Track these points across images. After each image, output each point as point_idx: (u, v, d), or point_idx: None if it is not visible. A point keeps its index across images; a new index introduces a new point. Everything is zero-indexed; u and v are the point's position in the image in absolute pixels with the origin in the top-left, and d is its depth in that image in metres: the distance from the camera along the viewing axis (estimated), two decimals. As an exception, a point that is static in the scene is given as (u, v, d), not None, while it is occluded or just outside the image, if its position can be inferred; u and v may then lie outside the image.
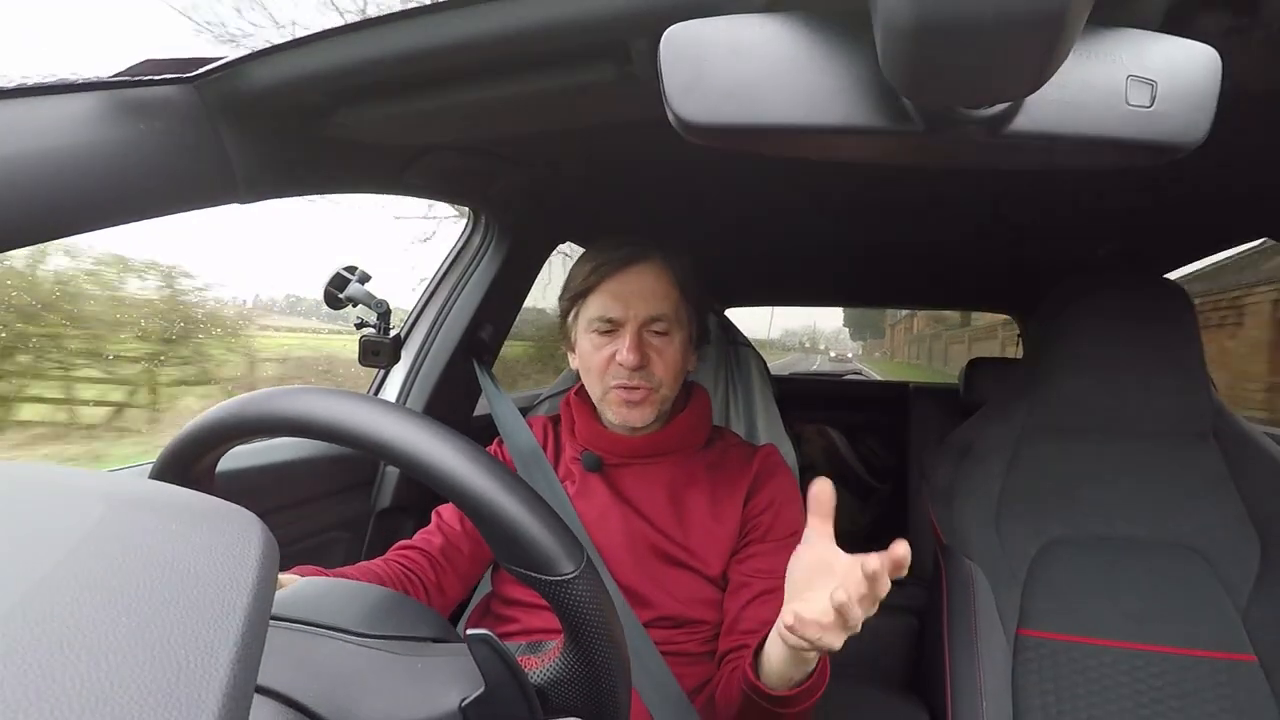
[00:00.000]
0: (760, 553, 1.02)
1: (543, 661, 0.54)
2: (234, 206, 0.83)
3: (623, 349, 1.01)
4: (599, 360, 1.04)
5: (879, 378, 4.52)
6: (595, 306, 1.04)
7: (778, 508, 1.06)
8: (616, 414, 1.05)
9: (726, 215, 1.56)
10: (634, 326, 1.02)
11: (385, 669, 0.52)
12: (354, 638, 0.54)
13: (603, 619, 0.51)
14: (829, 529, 0.75)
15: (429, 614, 0.61)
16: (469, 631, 0.50)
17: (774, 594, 0.98)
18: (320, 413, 0.52)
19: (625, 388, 1.02)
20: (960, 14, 0.35)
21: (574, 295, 1.08)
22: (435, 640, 0.57)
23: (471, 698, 0.50)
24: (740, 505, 1.05)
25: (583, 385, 1.12)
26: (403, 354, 1.34)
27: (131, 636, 0.26)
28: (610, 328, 1.04)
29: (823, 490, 0.75)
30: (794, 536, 1.04)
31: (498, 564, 1.10)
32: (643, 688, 0.94)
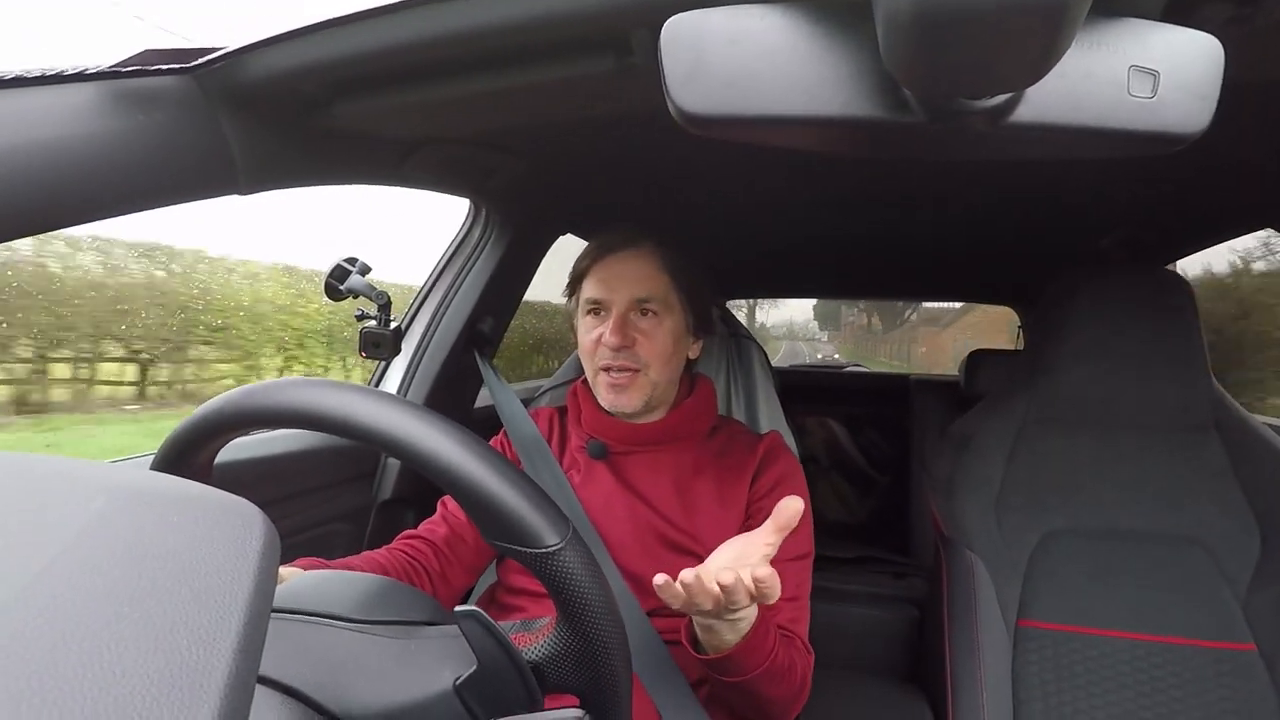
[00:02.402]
0: None
1: (536, 638, 0.54)
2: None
3: (607, 330, 1.03)
4: (589, 341, 1.07)
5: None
6: (587, 289, 1.08)
7: (780, 490, 1.06)
8: (605, 398, 1.07)
9: (727, 207, 1.55)
10: (619, 308, 1.04)
11: (379, 653, 0.52)
12: (346, 624, 0.54)
13: (593, 591, 0.51)
14: (769, 543, 0.76)
15: (421, 597, 0.61)
16: (458, 609, 0.50)
17: None
18: (302, 402, 0.52)
19: (610, 369, 1.04)
20: (962, 4, 0.34)
21: (571, 280, 1.12)
22: (427, 623, 0.57)
23: (464, 676, 0.50)
24: (746, 489, 1.06)
25: None
26: (404, 346, 1.34)
27: (133, 628, 0.26)
28: (599, 309, 1.07)
29: (791, 509, 0.75)
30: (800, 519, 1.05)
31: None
32: (646, 676, 0.94)
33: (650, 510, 1.05)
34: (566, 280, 1.15)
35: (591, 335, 1.06)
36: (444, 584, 1.04)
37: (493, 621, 0.50)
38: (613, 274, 1.06)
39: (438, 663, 0.51)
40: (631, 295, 1.04)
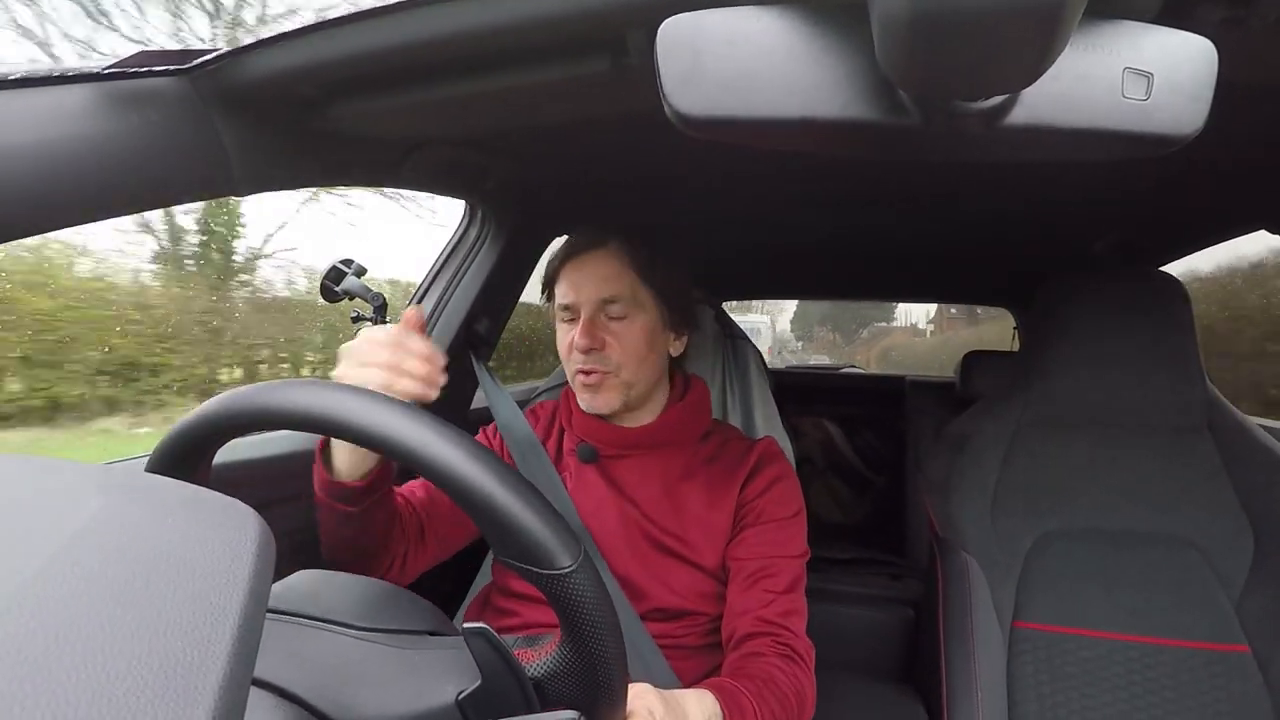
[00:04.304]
0: (751, 537, 1.03)
1: (539, 655, 0.54)
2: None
3: (576, 333, 1.03)
4: (564, 346, 1.07)
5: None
6: (558, 294, 1.08)
7: (772, 493, 1.06)
8: (581, 399, 1.07)
9: (722, 208, 1.55)
10: (587, 311, 1.04)
11: (381, 662, 0.52)
12: (350, 630, 0.54)
13: (600, 613, 0.51)
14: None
15: (425, 607, 0.61)
16: (465, 625, 0.49)
17: (767, 576, 0.99)
18: (317, 407, 0.51)
19: (583, 372, 1.04)
20: (957, 6, 0.35)
21: (544, 285, 1.12)
22: (431, 633, 0.57)
23: (468, 691, 0.50)
24: (736, 494, 1.06)
25: None
26: None
27: (127, 629, 0.26)
28: (570, 314, 1.06)
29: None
30: (794, 517, 1.06)
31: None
32: (640, 680, 0.94)
33: (640, 514, 1.05)
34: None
35: (565, 339, 1.06)
36: (419, 547, 1.01)
37: (500, 640, 0.49)
38: (579, 276, 1.05)
39: (441, 675, 0.51)
40: (597, 296, 1.03)
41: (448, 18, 0.64)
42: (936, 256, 2.01)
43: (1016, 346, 2.75)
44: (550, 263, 1.10)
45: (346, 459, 0.86)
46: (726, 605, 1.01)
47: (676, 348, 1.13)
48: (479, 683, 0.50)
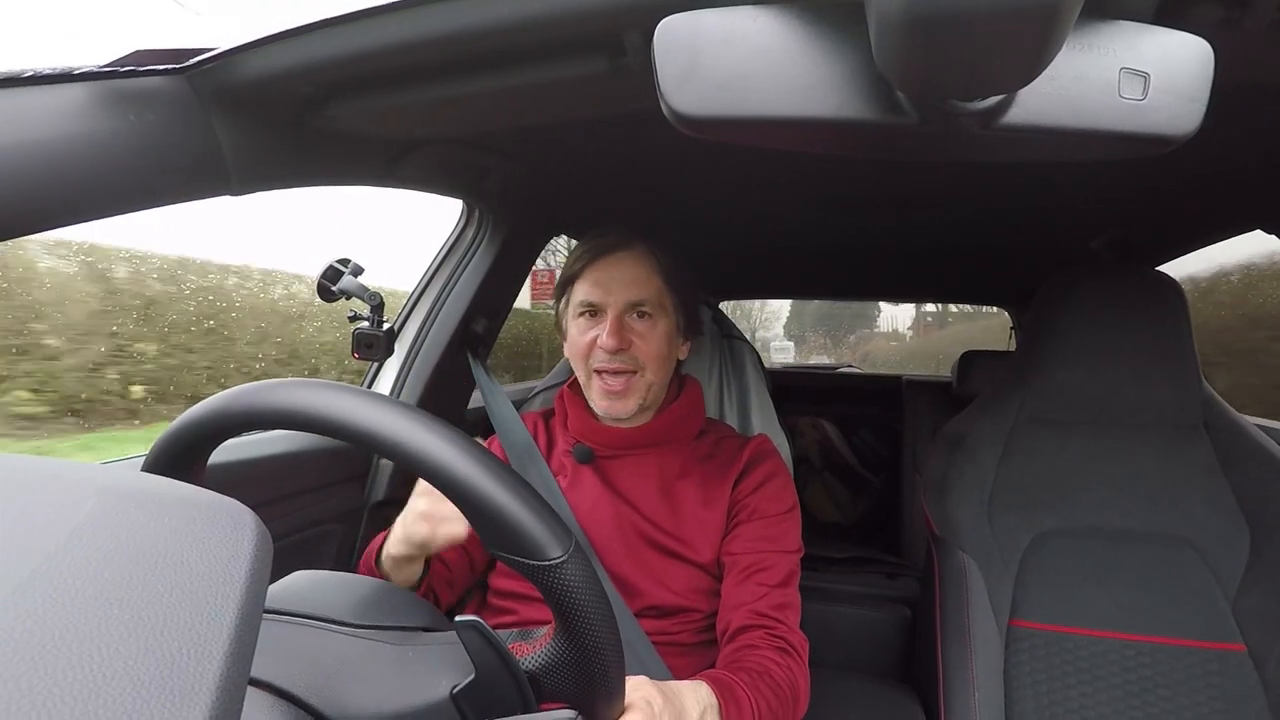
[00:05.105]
0: (746, 533, 1.04)
1: (534, 648, 0.54)
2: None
3: (604, 333, 1.03)
4: (583, 344, 1.06)
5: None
6: (580, 291, 1.07)
7: (765, 489, 1.07)
8: (600, 404, 1.07)
9: (720, 208, 1.55)
10: (615, 311, 1.04)
11: (376, 658, 0.52)
12: (344, 628, 0.54)
13: (593, 603, 0.51)
14: None
15: (419, 603, 0.61)
16: (458, 619, 0.49)
17: (761, 570, 1.00)
18: (307, 404, 0.51)
19: (607, 373, 1.04)
20: (954, 6, 0.35)
21: (563, 281, 1.11)
22: (425, 629, 0.57)
23: (462, 685, 0.50)
24: (729, 491, 1.07)
25: (576, 379, 1.13)
26: (396, 347, 1.33)
27: (124, 629, 0.26)
28: (593, 311, 1.06)
29: None
30: (787, 513, 1.06)
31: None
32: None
33: (635, 513, 1.06)
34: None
35: (586, 338, 1.05)
36: (449, 590, 1.05)
37: (493, 632, 0.49)
38: (607, 276, 1.05)
39: (435, 671, 0.51)
40: (627, 298, 1.04)
41: (445, 17, 0.64)
42: (934, 256, 2.01)
43: (1011, 346, 2.76)
44: (573, 261, 1.10)
45: (402, 576, 0.94)
46: (721, 599, 1.02)
47: (683, 353, 1.14)
48: (473, 677, 0.50)
